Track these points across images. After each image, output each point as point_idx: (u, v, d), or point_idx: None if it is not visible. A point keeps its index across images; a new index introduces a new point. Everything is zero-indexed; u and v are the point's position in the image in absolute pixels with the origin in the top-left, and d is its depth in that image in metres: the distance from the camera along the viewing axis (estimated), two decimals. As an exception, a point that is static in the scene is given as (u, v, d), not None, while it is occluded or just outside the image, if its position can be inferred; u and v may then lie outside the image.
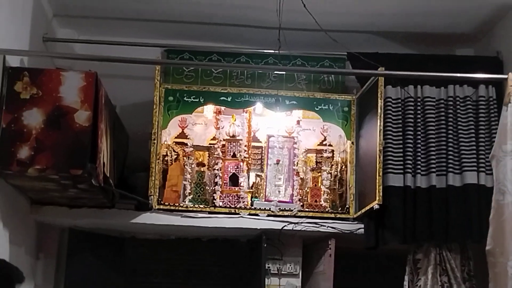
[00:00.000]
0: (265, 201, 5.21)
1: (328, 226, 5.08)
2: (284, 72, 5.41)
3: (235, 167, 5.28)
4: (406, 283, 4.78)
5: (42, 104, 4.01)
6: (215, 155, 5.29)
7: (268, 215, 5.12)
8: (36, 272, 5.09)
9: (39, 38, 4.76)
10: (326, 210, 5.22)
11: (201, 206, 5.12)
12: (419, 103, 4.81)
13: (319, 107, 5.24)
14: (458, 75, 4.62)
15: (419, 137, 4.77)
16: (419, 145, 4.77)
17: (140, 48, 5.19)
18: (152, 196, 4.90)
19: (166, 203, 5.06)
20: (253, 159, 5.36)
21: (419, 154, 4.76)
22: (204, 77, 5.34)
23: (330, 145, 5.43)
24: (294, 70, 5.45)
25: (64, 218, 4.98)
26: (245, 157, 5.29)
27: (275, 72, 5.38)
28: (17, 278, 2.66)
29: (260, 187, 5.31)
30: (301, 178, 5.34)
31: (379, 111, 4.65)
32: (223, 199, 5.21)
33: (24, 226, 4.70)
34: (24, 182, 4.25)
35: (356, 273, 5.74)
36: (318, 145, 5.45)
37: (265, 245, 5.13)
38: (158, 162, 4.97)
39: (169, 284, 5.46)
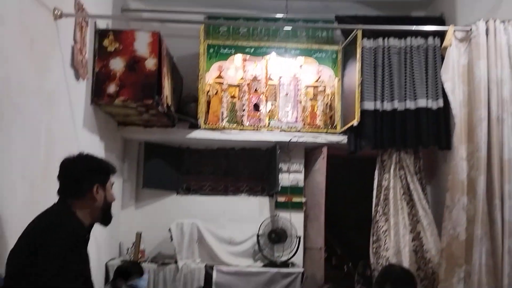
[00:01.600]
0: (278, 121, 5.37)
1: (321, 138, 5.27)
2: (290, 28, 5.44)
3: (257, 98, 5.42)
4: (376, 177, 4.93)
5: (122, 54, 4.19)
6: (242, 90, 5.42)
7: (280, 131, 5.29)
8: (123, 171, 5.34)
9: (118, 10, 4.90)
10: (320, 127, 5.39)
11: (234, 125, 5.29)
12: (385, 50, 4.84)
13: (315, 54, 5.33)
14: (413, 28, 4.69)
15: (386, 74, 4.81)
16: (386, 81, 4.81)
17: (188, 15, 5.31)
18: (200, 119, 5.07)
19: (209, 124, 5.21)
20: (269, 93, 5.44)
21: (386, 87, 4.81)
22: (234, 34, 5.39)
23: (323, 81, 5.53)
24: (296, 27, 5.48)
25: (140, 134, 5.18)
26: (263, 92, 5.41)
27: (284, 28, 5.42)
28: (112, 168, 2.59)
29: (274, 112, 5.42)
30: (303, 106, 5.45)
31: (357, 56, 4.76)
32: (249, 120, 5.36)
33: (114, 140, 4.93)
34: (112, 109, 4.48)
35: (342, 171, 5.83)
36: (315, 82, 5.54)
37: (278, 152, 5.31)
38: (203, 96, 5.11)
39: (212, 180, 5.60)
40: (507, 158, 3.46)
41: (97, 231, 2.49)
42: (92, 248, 2.57)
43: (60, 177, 2.45)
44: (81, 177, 2.43)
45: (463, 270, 3.48)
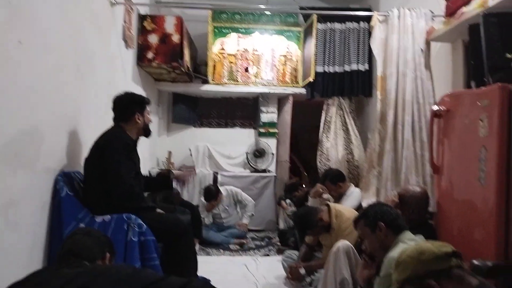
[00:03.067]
0: (260, 79, 5.35)
1: (289, 90, 5.31)
2: (269, 13, 5.32)
3: (247, 64, 5.36)
4: (323, 115, 4.89)
5: (156, 32, 4.13)
6: (237, 58, 5.34)
7: (262, 86, 5.32)
8: (158, 112, 5.28)
9: (153, 1, 4.79)
10: (288, 83, 5.37)
11: (232, 81, 5.30)
12: (331, 31, 4.75)
13: (285, 34, 5.30)
14: (351, 13, 4.72)
15: (331, 48, 4.74)
16: (331, 52, 4.75)
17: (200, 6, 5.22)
18: (209, 77, 5.11)
19: (215, 80, 5.22)
20: (255, 60, 5.37)
21: (331, 56, 4.75)
22: (231, 19, 5.24)
23: (291, 52, 5.41)
24: (272, 10, 5.32)
25: (169, 87, 5.16)
26: (251, 59, 5.35)
27: (265, 12, 5.31)
28: (147, 100, 2.56)
29: (258, 73, 5.37)
30: (277, 69, 5.39)
31: (313, 35, 4.71)
32: (241, 78, 5.32)
33: (152, 91, 4.85)
34: (150, 69, 4.43)
35: (303, 112, 5.78)
36: (285, 52, 5.41)
37: (260, 99, 5.42)
38: (211, 61, 5.11)
39: (217, 118, 5.60)
40: (407, 99, 3.53)
41: (142, 149, 2.50)
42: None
43: (113, 108, 2.49)
44: (126, 107, 2.47)
45: (376, 170, 3.58)
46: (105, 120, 2.60)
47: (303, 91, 5.14)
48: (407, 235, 1.76)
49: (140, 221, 2.21)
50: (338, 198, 3.40)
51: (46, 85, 2.14)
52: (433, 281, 1.16)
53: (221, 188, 4.53)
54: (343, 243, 2.27)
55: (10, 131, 1.79)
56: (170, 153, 5.22)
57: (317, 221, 2.75)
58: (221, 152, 5.46)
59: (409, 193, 2.35)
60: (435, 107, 2.50)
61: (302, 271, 2.83)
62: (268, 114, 5.53)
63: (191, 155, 5.27)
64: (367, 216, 1.83)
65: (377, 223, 1.78)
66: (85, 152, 2.46)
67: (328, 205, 2.86)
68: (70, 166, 2.45)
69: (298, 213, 2.94)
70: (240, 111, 5.68)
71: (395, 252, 1.51)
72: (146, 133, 2.58)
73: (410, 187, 2.46)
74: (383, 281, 1.48)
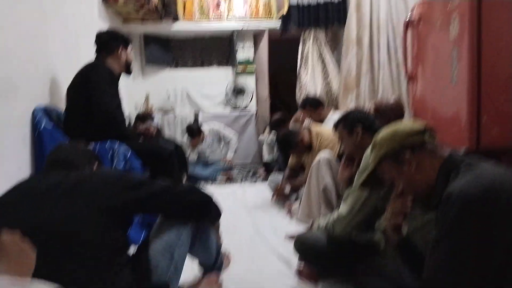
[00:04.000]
0: (233, 16, 5.22)
1: (263, 25, 5.18)
2: None
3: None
4: (300, 48, 4.84)
5: None
6: None
7: (235, 21, 5.19)
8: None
9: None
10: (262, 17, 5.26)
11: (204, 18, 5.13)
12: None
13: None
14: None
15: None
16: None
17: None
18: (179, 14, 4.91)
19: (186, 18, 5.05)
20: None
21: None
22: None
23: None
24: None
25: (139, 29, 4.97)
26: None
27: None
28: (130, 39, 2.53)
29: (231, 7, 5.23)
30: (249, 2, 5.22)
31: None
32: (213, 14, 5.17)
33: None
34: (117, 8, 4.21)
35: (279, 52, 5.69)
36: None
37: (235, 37, 5.27)
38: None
39: (194, 58, 5.44)
40: (381, 20, 3.55)
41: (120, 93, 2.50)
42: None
43: (96, 41, 2.45)
44: (111, 40, 2.44)
45: (354, 92, 3.65)
46: (77, 57, 2.50)
47: (278, 25, 5.03)
48: (382, 132, 1.83)
49: (125, 148, 2.23)
50: (319, 123, 3.46)
51: (6, 18, 2.05)
52: (408, 153, 1.23)
53: (204, 125, 4.55)
54: (323, 155, 2.36)
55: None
56: (147, 95, 5.15)
57: (298, 142, 2.82)
58: (200, 92, 5.41)
59: (384, 103, 2.42)
60: (408, 17, 2.52)
61: (287, 189, 2.95)
62: (244, 53, 5.42)
63: (168, 98, 5.22)
64: (346, 120, 1.89)
65: (355, 127, 1.85)
66: (58, 87, 2.43)
67: (308, 129, 2.93)
68: (45, 101, 2.42)
69: (280, 136, 3.01)
70: (215, 50, 5.54)
71: (372, 148, 1.56)
72: (128, 69, 2.54)
73: (385, 99, 2.53)
74: (361, 175, 1.56)
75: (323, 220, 1.69)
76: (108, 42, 2.44)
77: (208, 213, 1.46)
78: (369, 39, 3.65)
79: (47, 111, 2.32)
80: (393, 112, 2.42)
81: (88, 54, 2.52)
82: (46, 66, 2.48)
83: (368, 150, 1.68)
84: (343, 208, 1.57)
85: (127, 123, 2.80)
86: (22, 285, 0.56)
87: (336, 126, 1.93)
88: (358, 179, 1.62)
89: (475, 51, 1.97)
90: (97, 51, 2.45)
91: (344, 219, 1.56)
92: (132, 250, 1.32)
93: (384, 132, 1.33)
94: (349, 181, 1.89)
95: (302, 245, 1.67)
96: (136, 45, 5.21)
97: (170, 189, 1.30)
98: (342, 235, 1.58)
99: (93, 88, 2.19)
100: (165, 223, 1.38)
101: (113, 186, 1.21)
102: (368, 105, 3.46)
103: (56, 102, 2.52)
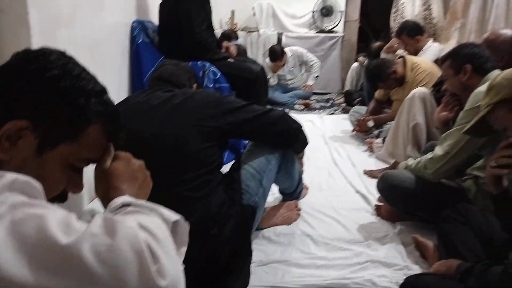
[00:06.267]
0: None
1: None
2: None
3: None
4: None
5: None
6: None
7: None
8: None
9: None
10: None
11: None
12: None
13: None
14: None
15: None
16: None
17: None
18: None
19: None
20: None
21: None
22: None
23: None
24: None
25: None
26: None
27: None
28: None
29: None
30: None
31: None
32: None
33: None
34: None
35: None
36: None
37: None
38: None
39: None
40: None
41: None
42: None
43: None
44: None
45: (460, 22, 3.29)
46: None
47: None
48: (496, 72, 1.66)
49: (215, 69, 2.30)
50: (414, 54, 3.19)
51: None
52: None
53: (286, 49, 4.45)
54: (419, 90, 2.22)
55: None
56: (233, 12, 5.08)
57: (391, 74, 2.67)
58: (286, 11, 5.20)
59: (500, 37, 2.14)
60: None
61: (371, 123, 2.87)
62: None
63: (254, 14, 5.10)
64: (455, 56, 1.72)
65: (463, 66, 1.68)
66: (154, 1, 2.46)
67: (403, 57, 2.73)
68: (144, 15, 2.51)
69: (370, 65, 2.85)
70: (305, -36, 5.17)
71: (484, 87, 1.44)
72: None
73: (502, 31, 2.22)
74: (468, 113, 1.45)
75: (413, 160, 1.64)
76: None
77: (296, 142, 1.51)
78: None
79: (144, 26, 2.41)
80: (509, 45, 2.14)
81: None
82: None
83: (478, 89, 1.55)
84: (439, 150, 1.50)
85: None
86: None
87: (443, 61, 1.76)
88: (461, 119, 1.52)
89: None
90: None
91: (438, 161, 1.50)
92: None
93: (504, 73, 1.21)
94: (445, 124, 1.79)
95: (386, 182, 1.66)
96: None
97: (264, 116, 1.34)
98: (433, 177, 1.53)
99: (182, 12, 2.21)
100: (255, 149, 1.46)
101: (214, 109, 1.28)
102: (474, 39, 3.10)
103: (153, 16, 2.59)
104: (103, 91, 0.64)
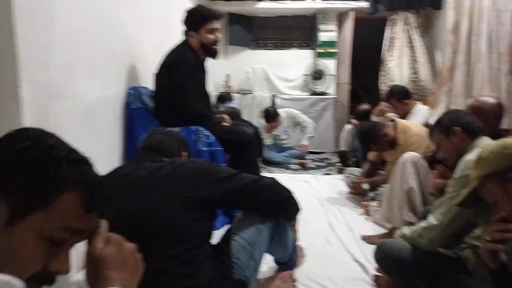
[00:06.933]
0: None
1: (349, 4, 4.93)
2: None
3: None
4: (387, 31, 4.60)
5: None
6: None
7: (321, 0, 5.02)
8: None
9: None
10: None
11: None
12: None
13: None
14: None
15: None
16: None
17: None
18: None
19: None
20: None
21: None
22: None
23: None
24: None
25: (225, 6, 4.91)
26: None
27: None
28: (214, 15, 2.41)
29: None
30: None
31: None
32: None
33: None
34: None
35: (362, 32, 5.37)
36: None
37: (318, 16, 5.10)
38: None
39: (275, 39, 5.42)
40: (485, 5, 3.21)
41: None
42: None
43: (184, 18, 2.44)
44: (197, 16, 2.40)
45: (447, 86, 3.39)
46: (166, 38, 2.56)
47: (365, 5, 4.80)
48: (485, 140, 1.68)
49: (208, 133, 2.31)
50: (403, 116, 3.27)
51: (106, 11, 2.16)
52: (516, 174, 1.12)
53: (280, 110, 4.54)
54: (410, 154, 2.22)
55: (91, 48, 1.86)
56: (228, 76, 5.24)
57: (382, 136, 2.70)
58: (279, 75, 5.38)
59: (486, 104, 2.19)
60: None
61: (365, 186, 2.85)
62: (327, 33, 5.25)
63: (248, 78, 5.26)
64: (441, 123, 1.76)
65: (452, 128, 1.71)
66: (148, 68, 2.53)
67: (393, 120, 2.78)
68: (137, 82, 2.55)
69: (362, 128, 2.89)
70: (297, 30, 5.46)
71: (472, 155, 1.45)
72: (214, 51, 2.46)
73: (484, 98, 2.28)
74: (457, 182, 1.45)
75: (408, 229, 1.60)
76: (194, 18, 2.39)
77: (287, 210, 1.47)
78: (468, 27, 3.32)
79: (138, 93, 2.45)
80: (493, 112, 2.19)
81: (177, 34, 2.56)
82: (138, 49, 2.60)
83: (467, 157, 1.56)
84: (433, 219, 1.48)
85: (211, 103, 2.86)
86: None
87: (432, 132, 1.80)
88: (452, 187, 1.51)
89: None
90: (185, 28, 2.44)
91: (433, 230, 1.47)
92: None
93: (491, 147, 1.21)
94: (443, 189, 1.77)
95: (384, 253, 1.60)
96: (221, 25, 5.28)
97: (253, 185, 1.31)
98: (429, 246, 1.49)
99: (176, 85, 2.28)
100: (246, 219, 1.41)
101: (201, 179, 1.25)
102: (461, 102, 3.19)
103: (147, 83, 2.64)
104: (81, 160, 0.63)
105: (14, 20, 1.23)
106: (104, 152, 2.10)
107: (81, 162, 0.63)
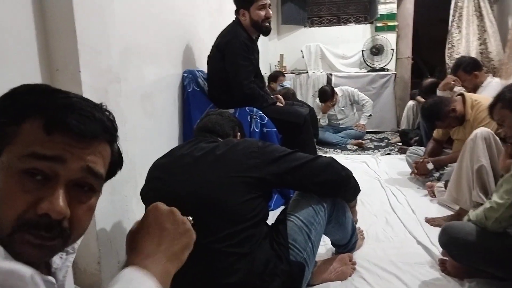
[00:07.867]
0: None
1: None
2: None
3: None
4: (452, 4, 4.27)
5: None
6: None
7: None
8: None
9: None
10: None
11: None
12: None
13: None
14: None
15: None
16: None
17: None
18: None
19: None
20: None
21: None
22: None
23: None
24: None
25: None
26: None
27: None
28: None
29: None
30: None
31: None
32: None
33: None
34: None
35: (422, 4, 5.06)
36: None
37: None
38: None
39: (330, 16, 5.26)
40: None
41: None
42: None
43: None
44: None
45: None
46: (219, 21, 2.59)
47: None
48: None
49: (262, 114, 2.30)
50: (473, 91, 3.02)
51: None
52: None
53: (337, 89, 4.40)
54: (481, 130, 2.03)
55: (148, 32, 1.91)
56: (282, 56, 5.17)
57: (449, 112, 2.50)
58: (334, 52, 5.22)
59: None
60: None
61: (430, 165, 2.68)
62: (386, 5, 4.98)
63: (303, 57, 5.15)
64: (504, 97, 1.57)
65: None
66: (203, 51, 2.56)
67: (462, 94, 2.57)
68: (192, 65, 2.59)
69: (427, 103, 2.70)
70: (353, 5, 5.27)
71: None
72: (266, 28, 2.42)
73: None
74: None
75: (474, 211, 1.48)
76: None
77: (346, 191, 1.42)
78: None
79: (194, 75, 2.48)
80: None
81: (230, 16, 2.54)
82: (194, 31, 2.64)
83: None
84: (496, 197, 1.34)
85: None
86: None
87: (492, 109, 1.60)
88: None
89: None
90: (236, 7, 2.43)
91: (498, 210, 1.34)
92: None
93: None
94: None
95: (449, 236, 1.49)
96: (273, 4, 5.17)
97: (308, 165, 1.27)
98: (496, 227, 1.36)
99: (229, 66, 2.28)
100: (303, 199, 1.37)
101: (256, 159, 1.24)
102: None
103: (202, 66, 2.67)
104: (36, 88, 0.59)
105: (74, 7, 1.27)
106: (162, 134, 2.16)
107: (36, 90, 0.59)
